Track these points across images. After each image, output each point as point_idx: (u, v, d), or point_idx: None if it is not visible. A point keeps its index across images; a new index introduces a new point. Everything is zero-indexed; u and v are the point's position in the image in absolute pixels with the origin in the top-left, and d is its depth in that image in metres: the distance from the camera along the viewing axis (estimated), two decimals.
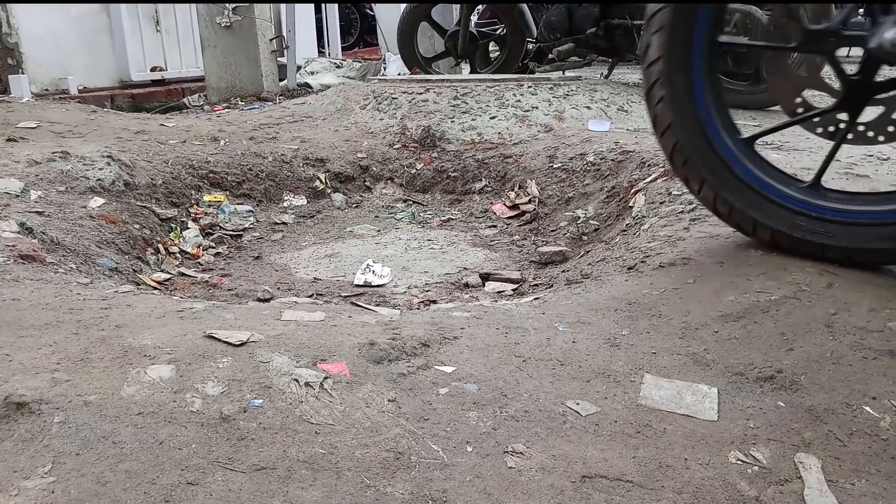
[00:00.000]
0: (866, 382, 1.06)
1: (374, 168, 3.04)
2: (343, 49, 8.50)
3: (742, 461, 0.91)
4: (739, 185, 1.42)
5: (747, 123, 3.16)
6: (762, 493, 0.86)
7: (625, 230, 2.09)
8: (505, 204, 2.81)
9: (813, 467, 0.90)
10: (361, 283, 2.03)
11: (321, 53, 7.84)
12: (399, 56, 5.23)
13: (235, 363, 1.07)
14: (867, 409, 1.01)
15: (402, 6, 5.19)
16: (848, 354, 1.12)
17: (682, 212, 1.90)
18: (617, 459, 0.91)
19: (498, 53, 5.09)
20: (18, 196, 2.02)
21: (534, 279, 2.02)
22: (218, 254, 2.31)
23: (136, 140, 2.80)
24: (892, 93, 1.38)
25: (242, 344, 1.13)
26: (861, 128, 1.40)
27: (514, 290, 1.94)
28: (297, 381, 1.03)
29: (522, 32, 4.71)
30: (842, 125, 1.40)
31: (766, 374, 1.09)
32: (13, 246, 1.61)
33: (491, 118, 3.28)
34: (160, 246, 2.23)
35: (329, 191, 2.88)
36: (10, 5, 5.03)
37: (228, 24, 5.34)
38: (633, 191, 2.32)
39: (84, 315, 1.25)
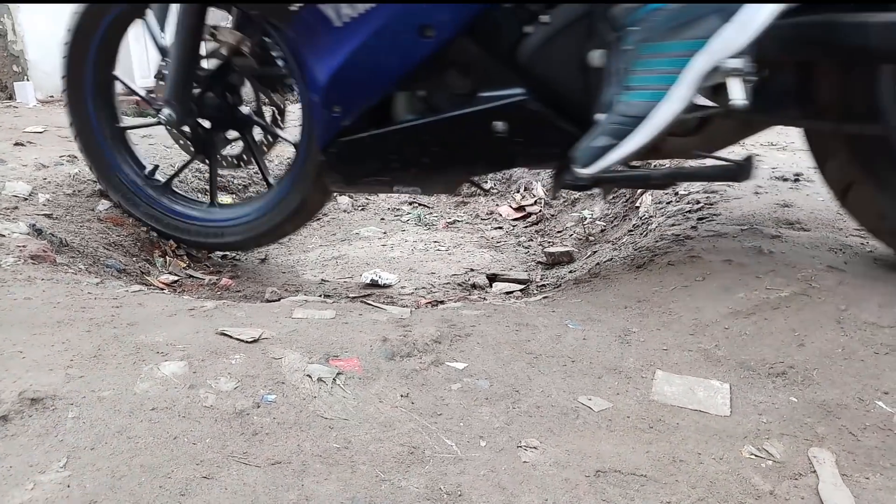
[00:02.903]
0: (878, 377, 1.06)
1: None
2: None
3: (756, 455, 0.91)
4: (144, 206, 2.03)
5: None
6: (776, 487, 0.86)
7: (632, 230, 2.09)
8: (511, 206, 2.81)
9: (827, 461, 0.90)
10: (368, 282, 2.03)
11: None
12: None
13: (248, 359, 1.07)
14: (880, 403, 1.01)
15: None
16: (859, 350, 1.12)
17: (689, 211, 1.90)
18: (630, 454, 0.91)
19: None
20: (27, 199, 2.03)
21: (541, 280, 2.02)
22: (224, 256, 2.32)
23: (142, 144, 2.80)
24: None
25: (255, 341, 1.13)
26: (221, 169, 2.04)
27: (521, 290, 1.95)
28: (309, 376, 1.03)
29: None
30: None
31: (777, 370, 1.09)
32: (23, 247, 1.62)
33: None
34: (167, 248, 2.23)
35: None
36: (15, 14, 5.06)
37: None
38: (638, 191, 2.32)
39: (96, 313, 1.25)
